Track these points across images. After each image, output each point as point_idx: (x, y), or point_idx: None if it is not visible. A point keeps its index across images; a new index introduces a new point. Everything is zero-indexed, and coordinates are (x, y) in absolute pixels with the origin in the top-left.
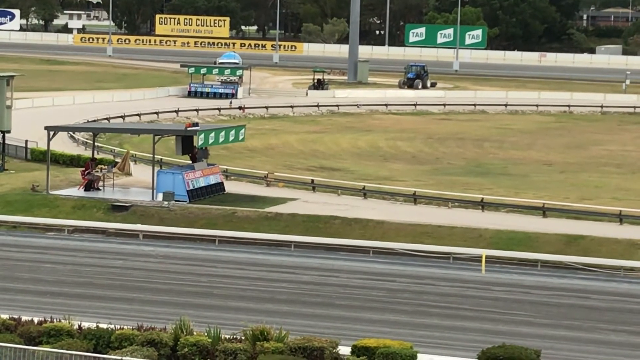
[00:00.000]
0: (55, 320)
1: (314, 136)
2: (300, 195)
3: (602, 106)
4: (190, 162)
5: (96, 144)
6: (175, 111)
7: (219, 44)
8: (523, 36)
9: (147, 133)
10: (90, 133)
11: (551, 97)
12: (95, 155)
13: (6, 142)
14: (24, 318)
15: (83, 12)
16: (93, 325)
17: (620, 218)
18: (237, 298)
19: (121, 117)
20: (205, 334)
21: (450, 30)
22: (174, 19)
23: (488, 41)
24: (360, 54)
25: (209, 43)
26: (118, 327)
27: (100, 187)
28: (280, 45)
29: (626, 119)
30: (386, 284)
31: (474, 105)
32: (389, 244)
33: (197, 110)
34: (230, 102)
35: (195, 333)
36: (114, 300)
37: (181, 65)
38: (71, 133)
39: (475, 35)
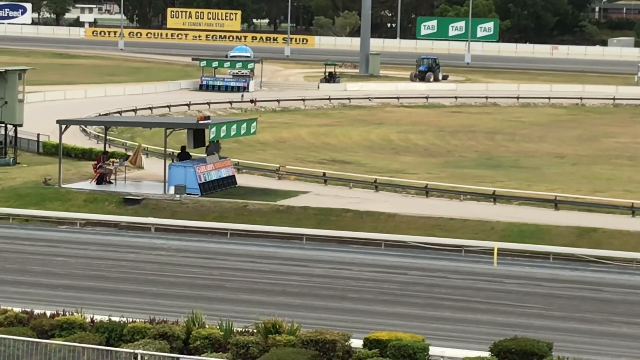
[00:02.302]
0: (67, 313)
1: (325, 129)
2: (312, 188)
3: (614, 98)
4: (205, 154)
5: (108, 137)
6: (187, 104)
7: (231, 37)
8: (535, 28)
9: (158, 126)
10: (102, 126)
11: (563, 89)
12: (107, 149)
13: (18, 135)
14: (36, 311)
15: (94, 6)
16: (105, 318)
17: (633, 210)
18: (249, 291)
19: (133, 110)
20: (217, 327)
21: (462, 23)
22: (186, 12)
23: (500, 34)
24: (372, 47)
25: (220, 36)
26: (130, 320)
27: (112, 181)
28: (291, 39)
29: (638, 112)
30: (398, 276)
31: (486, 97)
32: (400, 236)
33: (208, 103)
34: (242, 96)
35: (207, 326)
36: (126, 293)
37: (193, 59)
38: (83, 126)
39: (486, 27)
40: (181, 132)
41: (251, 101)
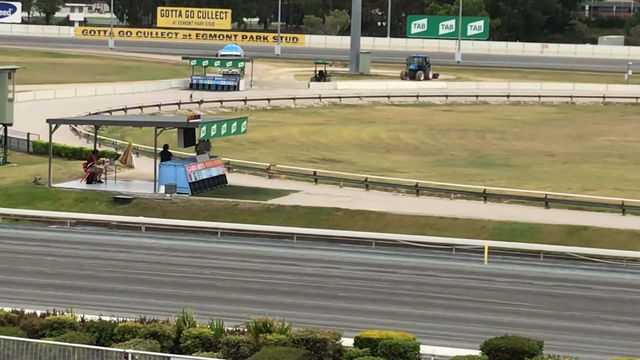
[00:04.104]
0: (58, 313)
1: (316, 128)
2: (303, 187)
3: (604, 97)
4: (195, 154)
5: (98, 136)
6: (177, 103)
7: (221, 36)
8: (525, 27)
9: (149, 125)
10: (92, 126)
11: (553, 87)
12: (97, 148)
13: (8, 135)
14: (26, 311)
15: (84, 5)
16: (96, 317)
17: (623, 209)
18: (239, 290)
19: (123, 109)
20: (208, 326)
21: (452, 22)
22: (176, 11)
23: (490, 32)
24: (362, 46)
25: (210, 35)
26: (121, 319)
27: (103, 180)
28: (282, 37)
29: (628, 110)
30: (388, 275)
31: (476, 96)
32: (391, 235)
33: (199, 102)
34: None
35: (198, 325)
36: (116, 292)
37: (183, 58)
38: (73, 126)
39: (477, 26)
40: (171, 131)
41: (199, 102)
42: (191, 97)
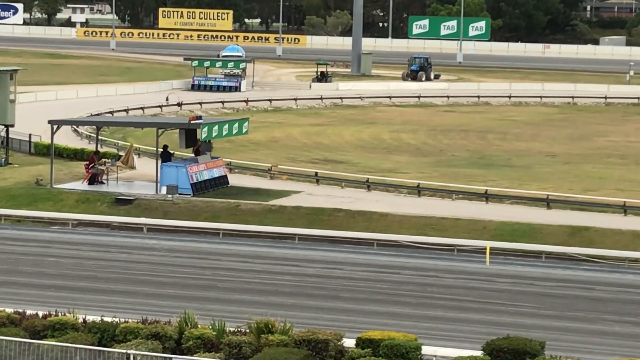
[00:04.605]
0: (59, 313)
1: (317, 129)
2: (304, 188)
3: (605, 97)
4: (194, 155)
5: (100, 137)
6: (178, 104)
7: (222, 37)
8: (526, 27)
9: (150, 126)
10: (94, 127)
11: (555, 88)
12: (99, 149)
13: (10, 136)
14: (28, 312)
15: (86, 6)
16: (98, 318)
17: (625, 209)
18: (241, 291)
19: (125, 110)
20: (210, 327)
21: (454, 22)
22: (177, 12)
23: (491, 33)
24: (364, 46)
25: (212, 36)
26: (123, 320)
27: (104, 181)
28: (283, 38)
29: (630, 110)
30: (390, 276)
31: (478, 97)
32: (393, 236)
33: (200, 103)
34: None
35: (199, 326)
36: (118, 293)
37: (184, 59)
38: (75, 127)
39: (478, 26)
40: (173, 132)
41: (178, 104)
42: (167, 99)
